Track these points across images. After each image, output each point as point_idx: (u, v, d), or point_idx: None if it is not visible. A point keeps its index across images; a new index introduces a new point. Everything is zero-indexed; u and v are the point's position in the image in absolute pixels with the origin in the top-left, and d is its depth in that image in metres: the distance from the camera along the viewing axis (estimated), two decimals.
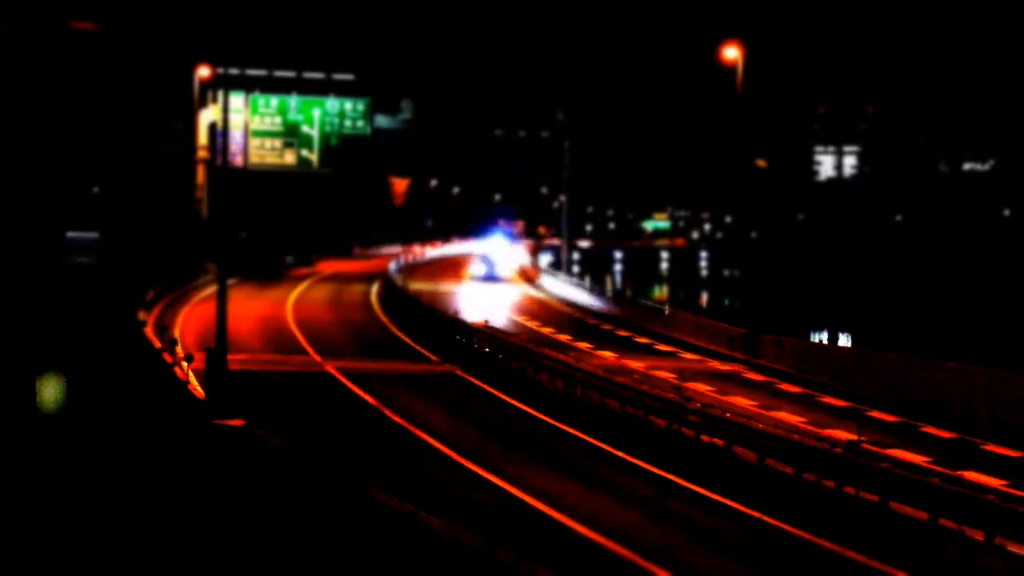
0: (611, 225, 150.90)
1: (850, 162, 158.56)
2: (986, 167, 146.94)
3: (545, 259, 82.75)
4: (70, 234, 47.58)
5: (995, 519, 15.65)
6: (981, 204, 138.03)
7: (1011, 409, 24.64)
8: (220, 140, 32.31)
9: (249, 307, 44.40)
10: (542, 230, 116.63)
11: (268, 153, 74.14)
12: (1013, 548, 15.67)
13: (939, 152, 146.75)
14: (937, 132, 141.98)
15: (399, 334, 38.73)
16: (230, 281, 31.72)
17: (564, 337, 39.34)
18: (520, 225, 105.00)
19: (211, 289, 44.60)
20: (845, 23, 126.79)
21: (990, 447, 23.38)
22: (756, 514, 17.90)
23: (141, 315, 37.10)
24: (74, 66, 58.99)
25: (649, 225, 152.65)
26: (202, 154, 68.00)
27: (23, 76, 56.48)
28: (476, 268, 67.05)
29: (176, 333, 34.83)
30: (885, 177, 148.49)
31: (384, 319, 43.47)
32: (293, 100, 73.46)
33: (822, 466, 18.67)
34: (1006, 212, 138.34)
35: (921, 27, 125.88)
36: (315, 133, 73.74)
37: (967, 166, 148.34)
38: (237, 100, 68.64)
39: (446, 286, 60.71)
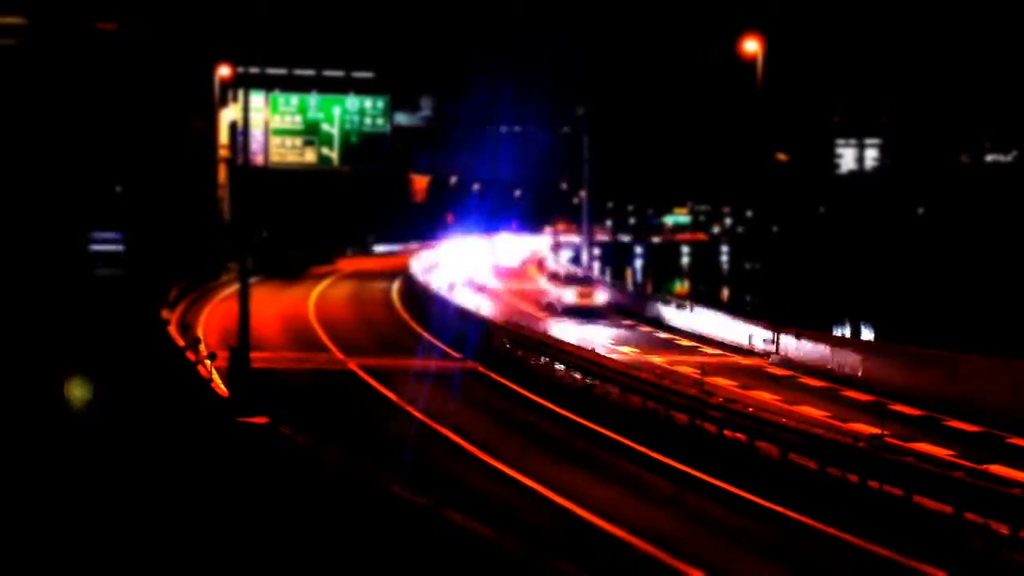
0: (631, 220, 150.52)
1: (871, 155, 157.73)
2: (1009, 158, 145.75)
3: (566, 254, 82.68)
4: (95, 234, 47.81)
5: (1020, 512, 15.57)
6: (1005, 195, 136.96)
7: None
8: (241, 139, 32.47)
9: (271, 305, 44.58)
10: (561, 226, 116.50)
11: (289, 151, 74.39)
12: None
13: (961, 143, 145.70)
14: (959, 123, 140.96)
15: (420, 331, 38.81)
16: (252, 280, 31.90)
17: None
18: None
19: (233, 288, 44.84)
20: (866, 15, 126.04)
21: (1015, 440, 23.25)
22: (779, 509, 17.86)
23: (164, 314, 37.33)
24: (96, 66, 59.34)
25: (669, 220, 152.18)
26: (223, 153, 68.28)
27: (46, 76, 56.85)
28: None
29: (199, 331, 35.01)
30: (907, 170, 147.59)
31: (405, 316, 43.55)
32: (313, 98, 73.71)
33: (846, 460, 18.62)
34: None
35: (942, 17, 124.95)
36: (335, 131, 73.96)
37: (990, 157, 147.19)
38: (257, 99, 68.89)
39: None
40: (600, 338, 37.88)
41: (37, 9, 56.74)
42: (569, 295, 45.29)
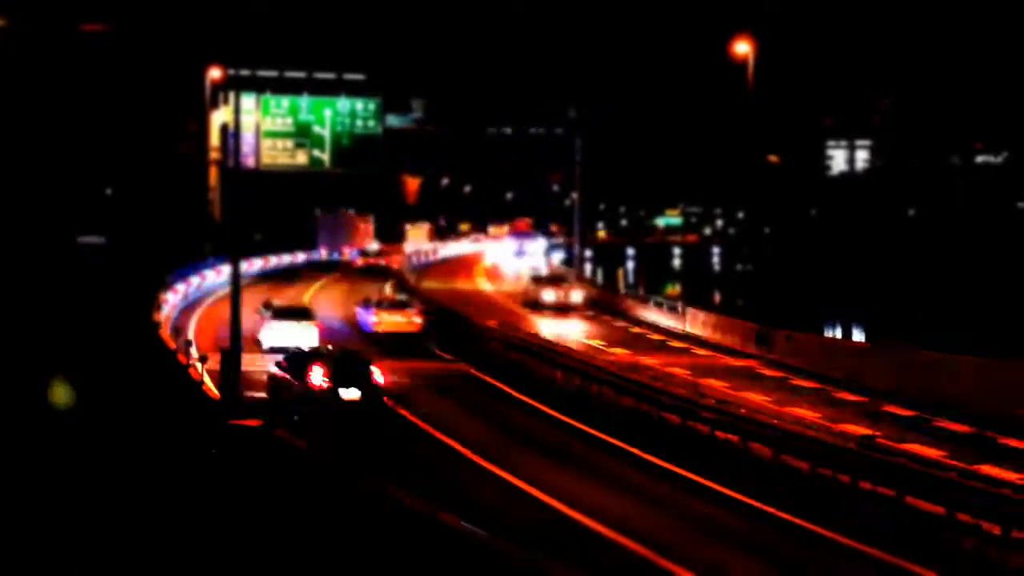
0: (623, 222, 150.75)
1: (862, 156, 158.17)
2: (999, 159, 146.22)
3: (557, 256, 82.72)
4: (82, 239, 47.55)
5: (1012, 513, 15.60)
6: (995, 197, 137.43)
7: None
8: (232, 141, 32.39)
9: None
10: (554, 228, 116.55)
11: (280, 153, 74.35)
12: None
13: (952, 145, 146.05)
14: (950, 125, 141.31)
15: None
16: (244, 281, 31.79)
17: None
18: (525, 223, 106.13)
19: (226, 290, 44.70)
20: (856, 17, 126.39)
21: (1007, 441, 23.29)
22: (772, 510, 17.88)
23: (156, 316, 37.22)
24: (84, 68, 59.20)
25: (661, 221, 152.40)
26: (214, 155, 68.14)
27: (30, 78, 56.70)
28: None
29: (191, 334, 34.93)
30: (898, 171, 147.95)
31: None
32: (304, 100, 73.67)
33: (837, 461, 18.63)
34: (1021, 204, 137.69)
35: (932, 19, 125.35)
36: (326, 133, 73.93)
37: (980, 158, 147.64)
38: (248, 101, 68.76)
39: (459, 284, 60.75)
40: (593, 340, 37.90)
41: (19, 11, 56.54)
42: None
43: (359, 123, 73.93)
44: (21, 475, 17.07)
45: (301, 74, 75.55)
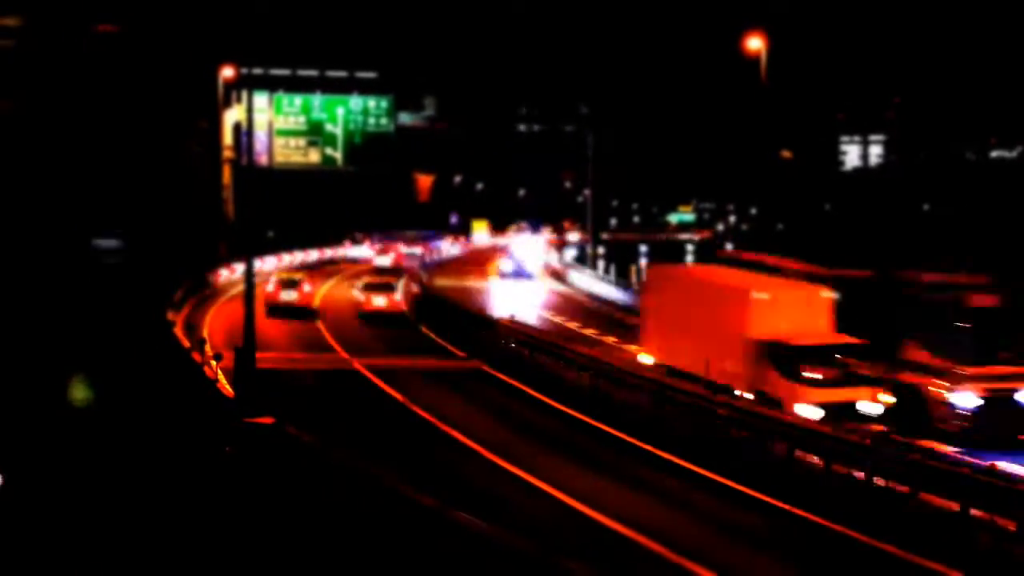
0: (636, 218, 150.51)
1: (876, 151, 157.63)
2: (1014, 154, 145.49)
3: (570, 254, 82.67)
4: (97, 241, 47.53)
5: None
6: (1010, 192, 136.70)
7: None
8: (245, 140, 32.48)
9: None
10: (567, 225, 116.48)
11: (293, 152, 74.50)
12: None
13: (966, 139, 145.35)
14: (964, 119, 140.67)
15: (425, 330, 38.83)
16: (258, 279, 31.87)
17: (590, 331, 39.34)
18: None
19: (238, 288, 44.87)
20: (869, 11, 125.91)
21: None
22: (786, 506, 17.86)
23: (170, 315, 37.37)
24: (99, 68, 59.43)
25: (674, 218, 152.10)
26: (227, 154, 68.32)
27: (46, 77, 56.93)
28: (504, 265, 64.95)
29: (204, 332, 35.07)
30: (912, 166, 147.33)
31: (410, 315, 43.52)
32: (317, 99, 73.81)
33: (852, 457, 18.60)
34: None
35: (947, 13, 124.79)
36: (339, 131, 74.06)
37: (995, 153, 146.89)
38: (261, 99, 68.95)
39: (472, 282, 60.73)
40: (608, 335, 37.92)
41: (34, 10, 56.82)
42: None
43: (371, 121, 74.06)
44: (42, 470, 17.18)
45: (313, 72, 75.77)
